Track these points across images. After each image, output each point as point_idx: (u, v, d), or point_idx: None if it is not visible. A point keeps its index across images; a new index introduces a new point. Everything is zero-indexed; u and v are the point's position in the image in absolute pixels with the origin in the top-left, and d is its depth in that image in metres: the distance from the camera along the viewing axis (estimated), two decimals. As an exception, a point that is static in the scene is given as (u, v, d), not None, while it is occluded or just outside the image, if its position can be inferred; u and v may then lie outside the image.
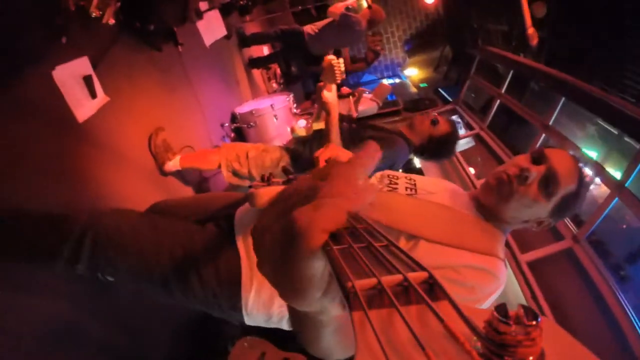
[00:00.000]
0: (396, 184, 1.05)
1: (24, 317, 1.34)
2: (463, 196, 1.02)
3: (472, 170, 4.47)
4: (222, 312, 1.05)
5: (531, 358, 0.20)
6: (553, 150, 0.95)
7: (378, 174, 1.14)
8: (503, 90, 4.35)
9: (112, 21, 1.88)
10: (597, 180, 2.53)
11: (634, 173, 2.14)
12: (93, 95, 1.91)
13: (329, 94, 1.67)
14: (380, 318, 0.25)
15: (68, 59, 1.79)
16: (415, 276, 0.28)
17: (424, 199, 0.97)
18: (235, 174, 2.18)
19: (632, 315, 1.96)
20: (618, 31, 3.13)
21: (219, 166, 2.21)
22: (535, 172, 0.91)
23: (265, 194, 0.91)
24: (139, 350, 1.84)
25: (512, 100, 4.11)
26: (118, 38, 2.04)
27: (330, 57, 1.69)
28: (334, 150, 1.25)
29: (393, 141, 1.84)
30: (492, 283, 0.83)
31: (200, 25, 2.89)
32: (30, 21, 1.65)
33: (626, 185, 2.14)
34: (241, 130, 3.36)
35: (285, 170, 0.99)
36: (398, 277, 0.28)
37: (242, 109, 3.41)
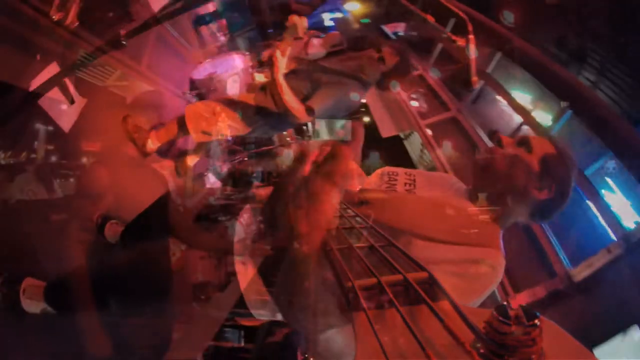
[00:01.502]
0: (395, 180, 1.08)
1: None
2: (461, 190, 1.06)
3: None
4: None
5: (532, 357, 0.20)
6: None
7: (378, 171, 1.16)
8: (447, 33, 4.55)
9: (75, 22, 1.79)
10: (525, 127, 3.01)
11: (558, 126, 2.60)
12: (71, 101, 1.87)
13: (280, 57, 1.86)
14: (381, 317, 0.26)
15: (39, 70, 1.72)
16: (415, 276, 0.28)
17: (421, 195, 1.02)
18: (205, 133, 2.22)
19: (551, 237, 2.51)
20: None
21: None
22: (506, 138, 1.02)
23: (265, 194, 1.06)
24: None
25: (453, 45, 4.33)
26: (79, 36, 1.93)
27: (295, 17, 1.84)
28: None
29: (347, 87, 2.07)
30: (490, 275, 0.85)
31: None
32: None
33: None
34: (202, 96, 3.30)
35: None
36: (398, 277, 0.28)
37: (199, 73, 3.32)
